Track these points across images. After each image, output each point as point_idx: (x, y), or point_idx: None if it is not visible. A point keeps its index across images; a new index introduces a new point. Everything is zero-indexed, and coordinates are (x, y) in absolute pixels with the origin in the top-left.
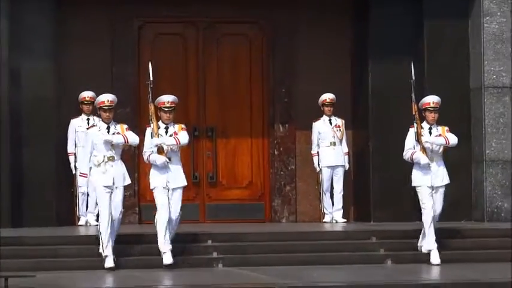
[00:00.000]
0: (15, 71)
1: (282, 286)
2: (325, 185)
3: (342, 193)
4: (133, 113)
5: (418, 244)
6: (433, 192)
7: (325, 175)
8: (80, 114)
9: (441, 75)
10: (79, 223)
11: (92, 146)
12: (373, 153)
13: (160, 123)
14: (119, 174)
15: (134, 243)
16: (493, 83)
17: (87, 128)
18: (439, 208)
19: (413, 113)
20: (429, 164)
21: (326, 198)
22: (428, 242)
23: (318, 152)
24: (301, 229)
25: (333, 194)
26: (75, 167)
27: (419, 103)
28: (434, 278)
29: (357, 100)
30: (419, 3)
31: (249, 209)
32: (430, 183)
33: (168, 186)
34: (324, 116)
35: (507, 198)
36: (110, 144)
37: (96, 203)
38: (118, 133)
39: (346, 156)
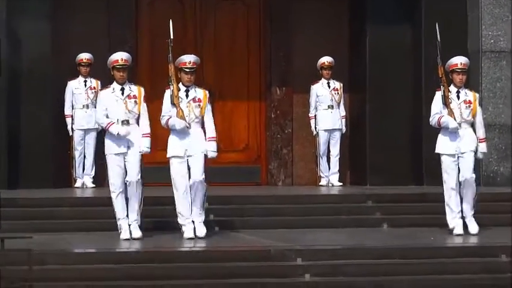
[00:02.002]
0: (13, 32)
1: (278, 249)
2: (322, 148)
3: (339, 157)
4: (131, 75)
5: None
6: (461, 158)
7: (322, 138)
8: (77, 76)
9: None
10: (75, 185)
11: (103, 109)
12: (370, 117)
13: (180, 85)
14: (134, 138)
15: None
16: (491, 47)
17: (100, 90)
18: (467, 174)
19: (440, 76)
20: (458, 128)
21: (322, 162)
22: (449, 219)
23: (315, 115)
24: (298, 192)
25: (329, 158)
26: (72, 129)
27: (445, 65)
28: (430, 241)
29: (354, 63)
30: None
31: (245, 172)
32: (455, 151)
33: (186, 155)
34: (323, 79)
35: (503, 162)
36: (126, 108)
37: (93, 165)
38: (134, 96)
39: (344, 120)
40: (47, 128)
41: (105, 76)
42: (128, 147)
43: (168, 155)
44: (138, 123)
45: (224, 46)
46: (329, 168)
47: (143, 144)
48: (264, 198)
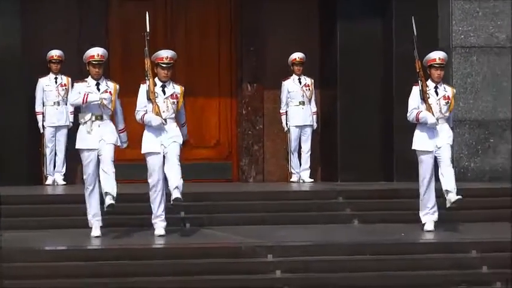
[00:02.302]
0: None
1: (249, 245)
2: (293, 144)
3: (310, 153)
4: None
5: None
6: (437, 152)
7: (293, 135)
8: (48, 73)
9: (410, 35)
10: (46, 182)
11: (76, 93)
12: (341, 113)
13: (156, 80)
14: (107, 132)
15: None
16: (461, 43)
17: (76, 82)
18: (445, 166)
19: (417, 70)
20: (436, 124)
21: (293, 158)
22: (421, 214)
23: (286, 112)
24: (269, 189)
25: (300, 154)
26: (42, 126)
27: (423, 60)
28: (401, 237)
29: (325, 60)
30: None
31: (216, 168)
32: (432, 148)
33: (162, 152)
34: (294, 75)
35: (474, 158)
36: (100, 103)
37: (64, 162)
38: (110, 92)
39: (315, 116)
40: (19, 126)
41: (76, 73)
42: (101, 143)
43: (143, 151)
44: (111, 119)
45: (195, 43)
46: (300, 165)
47: (122, 140)
48: (235, 195)
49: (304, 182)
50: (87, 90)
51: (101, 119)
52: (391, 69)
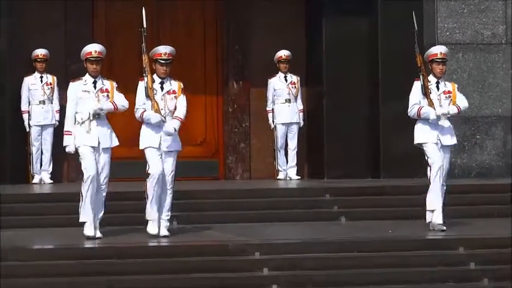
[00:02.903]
0: None
1: (236, 243)
2: (280, 142)
3: (296, 150)
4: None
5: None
6: (440, 150)
7: (280, 132)
8: (33, 72)
9: (395, 32)
10: (33, 181)
11: (74, 101)
12: (327, 111)
13: (155, 76)
14: (105, 134)
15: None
16: (447, 39)
17: (71, 81)
18: (445, 168)
19: (419, 65)
20: (438, 120)
21: (280, 155)
22: (431, 201)
23: (272, 109)
24: (256, 186)
25: (287, 151)
26: (29, 124)
27: (424, 54)
28: (388, 234)
29: (311, 57)
30: None
31: (203, 166)
32: (436, 140)
33: (161, 148)
34: (280, 72)
35: (460, 154)
36: (97, 102)
37: (51, 161)
38: (107, 90)
39: (301, 113)
40: (4, 124)
41: (61, 72)
42: (99, 143)
43: (142, 147)
44: (108, 117)
45: (181, 41)
46: (287, 162)
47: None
48: (222, 193)
49: (291, 179)
50: (83, 88)
51: (99, 117)
52: (377, 67)
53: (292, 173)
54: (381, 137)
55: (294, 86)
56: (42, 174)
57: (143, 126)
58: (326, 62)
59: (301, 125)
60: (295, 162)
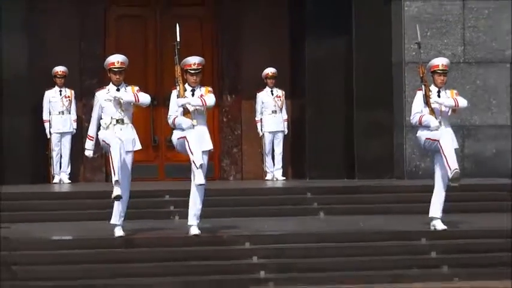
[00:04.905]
0: None
1: (229, 235)
2: (267, 147)
3: (282, 154)
4: (99, 84)
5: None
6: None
7: (267, 139)
8: (54, 87)
9: (367, 50)
10: (53, 181)
11: (99, 111)
12: (309, 120)
13: (186, 85)
14: (128, 138)
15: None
16: (412, 58)
17: (96, 90)
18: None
19: (421, 76)
20: (439, 127)
21: (268, 159)
22: (435, 209)
23: (261, 119)
24: (247, 186)
25: (273, 156)
26: (49, 132)
27: (427, 66)
28: (360, 227)
29: (295, 73)
30: None
31: None
32: (438, 137)
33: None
34: (267, 87)
35: (424, 158)
36: (119, 106)
37: (69, 163)
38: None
39: (286, 123)
40: (27, 133)
41: (76, 86)
42: (123, 145)
43: (173, 138)
44: (132, 122)
45: (182, 57)
46: (273, 165)
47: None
48: (217, 191)
49: (277, 179)
50: (106, 97)
51: (122, 123)
52: (351, 80)
53: (278, 174)
54: (355, 142)
55: (279, 98)
56: (61, 175)
57: (174, 132)
58: (308, 77)
59: (286, 132)
60: (280, 165)
